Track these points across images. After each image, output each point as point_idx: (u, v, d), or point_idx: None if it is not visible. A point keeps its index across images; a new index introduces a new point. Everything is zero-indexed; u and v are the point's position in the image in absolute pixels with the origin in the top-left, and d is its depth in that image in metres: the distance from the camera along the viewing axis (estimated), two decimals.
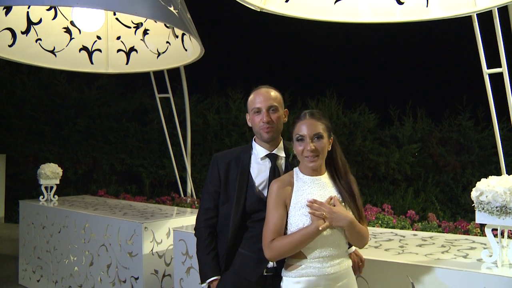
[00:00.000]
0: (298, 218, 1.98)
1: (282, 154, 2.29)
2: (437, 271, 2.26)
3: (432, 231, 4.42)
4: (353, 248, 2.26)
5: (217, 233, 2.31)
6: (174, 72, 5.79)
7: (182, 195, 6.38)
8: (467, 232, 4.52)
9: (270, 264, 2.17)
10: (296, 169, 2.12)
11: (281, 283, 2.07)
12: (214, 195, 2.30)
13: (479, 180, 2.32)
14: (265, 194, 2.20)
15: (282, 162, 2.29)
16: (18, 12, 4.23)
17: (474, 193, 2.26)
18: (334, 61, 12.00)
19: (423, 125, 10.44)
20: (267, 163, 2.27)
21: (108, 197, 6.74)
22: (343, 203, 2.02)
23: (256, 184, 2.24)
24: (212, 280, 2.25)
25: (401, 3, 3.69)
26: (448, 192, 9.74)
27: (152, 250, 3.91)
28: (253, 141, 2.33)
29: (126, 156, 10.16)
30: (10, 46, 4.31)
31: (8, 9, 4.08)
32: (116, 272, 4.08)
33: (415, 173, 10.04)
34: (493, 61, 3.70)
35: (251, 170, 2.26)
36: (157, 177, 10.06)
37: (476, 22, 3.65)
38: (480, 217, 2.25)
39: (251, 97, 2.28)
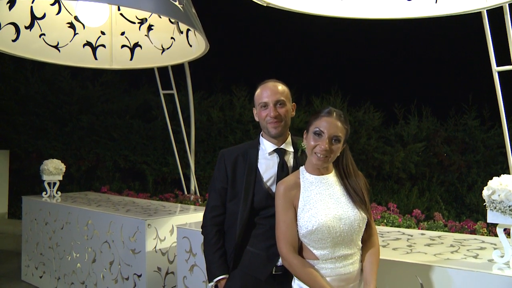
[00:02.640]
0: (307, 220, 1.92)
1: (290, 149, 2.24)
2: (447, 272, 2.20)
3: (438, 231, 4.37)
4: None
5: (224, 230, 2.26)
6: (178, 69, 5.75)
7: (186, 193, 6.34)
8: (473, 232, 4.46)
9: (280, 263, 2.11)
10: (302, 169, 2.06)
11: (292, 283, 2.02)
12: (221, 192, 2.25)
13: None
14: (274, 189, 2.16)
15: (290, 157, 2.24)
16: (22, 7, 4.20)
17: (485, 192, 2.20)
18: (340, 59, 11.92)
19: (428, 124, 10.35)
20: (275, 158, 2.22)
21: (111, 193, 6.71)
22: (352, 201, 1.98)
23: (264, 180, 2.19)
24: (220, 279, 2.20)
25: None
26: (453, 192, 9.67)
27: (155, 247, 3.87)
28: (261, 136, 2.28)
29: (129, 153, 10.13)
30: (13, 41, 4.28)
31: (12, 4, 4.05)
32: (118, 269, 4.05)
33: (420, 172, 9.97)
34: (502, 59, 3.64)
35: (258, 166, 2.21)
36: (160, 174, 10.03)
37: (486, 18, 3.59)
38: (492, 217, 2.19)
39: (258, 91, 2.23)
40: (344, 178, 2.03)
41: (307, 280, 1.90)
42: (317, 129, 1.93)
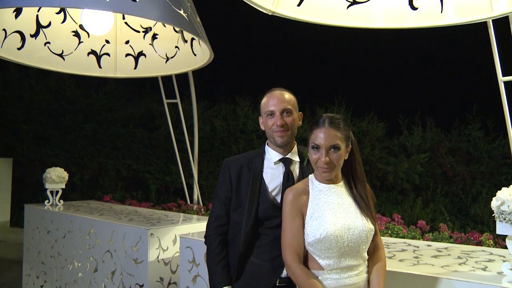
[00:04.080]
0: (315, 228, 1.89)
1: (296, 158, 2.21)
2: (455, 284, 2.16)
3: (444, 242, 4.32)
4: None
5: (228, 240, 2.22)
6: (182, 78, 5.75)
7: (189, 202, 6.31)
8: (479, 243, 4.41)
9: (284, 274, 2.07)
10: (311, 177, 2.03)
11: None
12: (225, 201, 2.21)
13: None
14: (279, 200, 2.12)
15: (296, 167, 2.20)
16: (28, 15, 4.22)
17: (494, 203, 2.17)
18: (344, 69, 11.93)
19: (432, 134, 10.33)
20: (281, 168, 2.18)
21: (114, 202, 6.68)
22: (360, 211, 1.94)
23: (269, 190, 2.15)
24: None
25: (415, 9, 3.62)
26: (457, 203, 9.60)
27: (157, 257, 3.83)
28: (266, 145, 2.25)
29: (132, 162, 10.12)
30: (19, 49, 4.30)
31: (18, 12, 4.07)
32: (120, 279, 4.01)
33: (424, 183, 9.92)
34: (508, 69, 3.62)
35: (264, 175, 2.17)
36: (163, 183, 10.00)
37: (492, 28, 3.57)
38: (501, 228, 2.15)
39: (264, 99, 2.20)
40: (353, 187, 1.99)
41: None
42: (313, 143, 1.92)
